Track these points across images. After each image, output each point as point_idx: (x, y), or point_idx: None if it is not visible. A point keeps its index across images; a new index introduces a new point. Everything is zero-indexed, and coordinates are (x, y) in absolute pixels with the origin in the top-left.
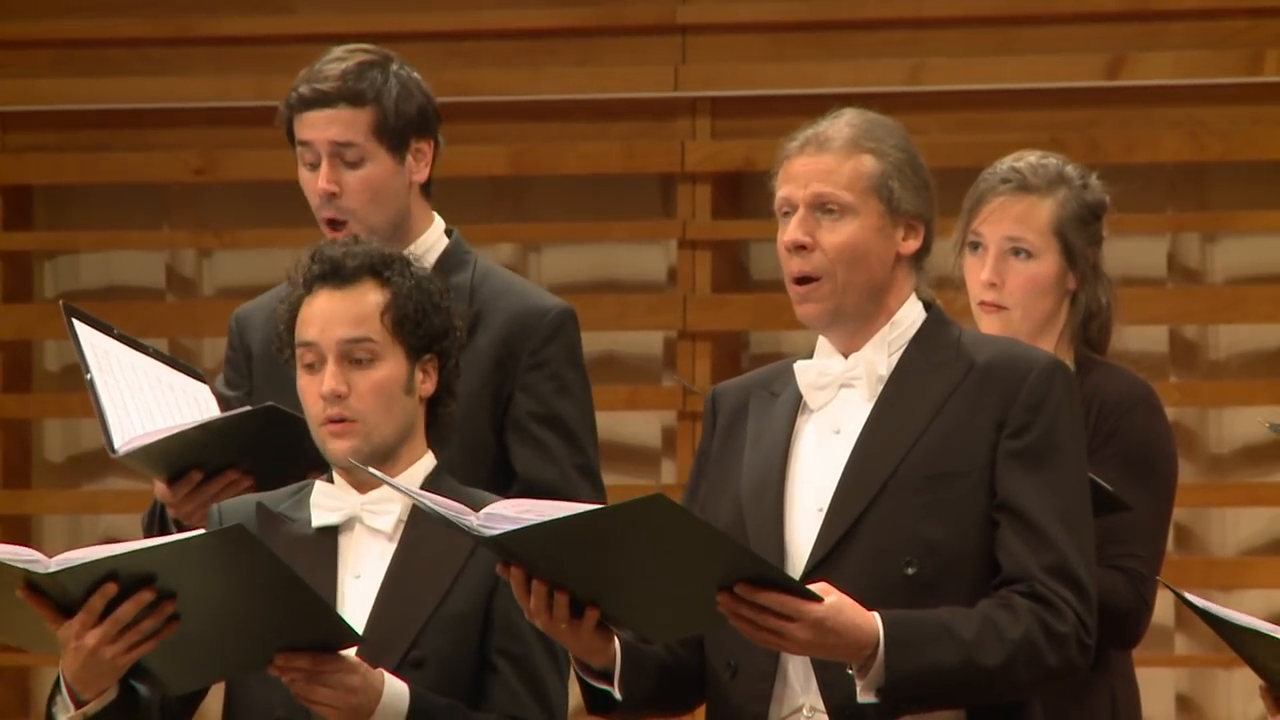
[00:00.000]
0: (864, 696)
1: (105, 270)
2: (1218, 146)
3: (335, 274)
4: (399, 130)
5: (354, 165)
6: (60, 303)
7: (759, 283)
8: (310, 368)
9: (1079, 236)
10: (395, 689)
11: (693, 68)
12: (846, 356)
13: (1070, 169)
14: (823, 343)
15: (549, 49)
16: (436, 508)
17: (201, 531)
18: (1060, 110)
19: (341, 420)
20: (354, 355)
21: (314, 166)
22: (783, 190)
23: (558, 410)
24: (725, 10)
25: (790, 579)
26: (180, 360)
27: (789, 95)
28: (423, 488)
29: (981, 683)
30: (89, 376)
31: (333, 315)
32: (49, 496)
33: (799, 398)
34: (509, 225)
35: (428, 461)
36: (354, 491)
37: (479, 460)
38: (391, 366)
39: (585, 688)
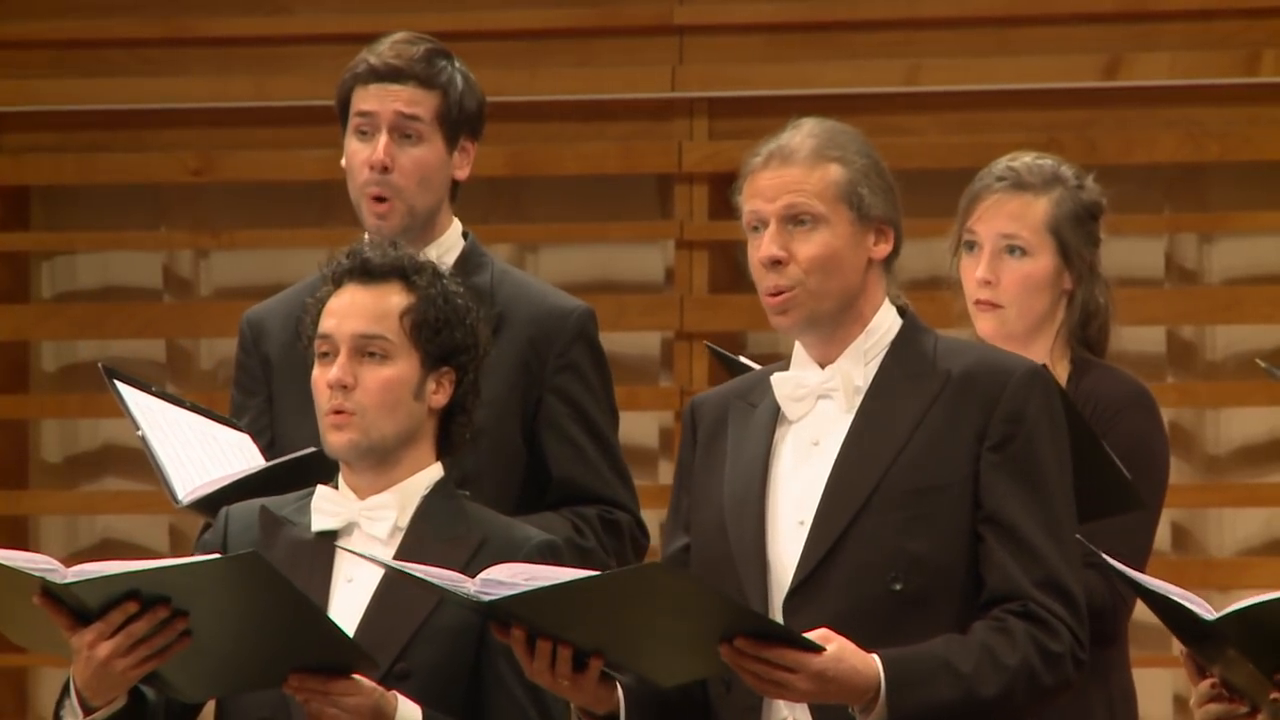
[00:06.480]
0: None
1: (102, 271)
2: (1215, 147)
3: (363, 271)
4: (458, 122)
5: (412, 143)
6: (99, 365)
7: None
8: (325, 357)
9: (1074, 235)
10: (408, 712)
11: (690, 68)
12: (823, 367)
13: (1066, 169)
14: (799, 353)
15: (546, 50)
16: (429, 579)
17: (217, 556)
18: (1057, 111)
19: (342, 412)
20: (366, 350)
21: (367, 138)
22: (750, 205)
23: (589, 412)
24: (722, 11)
25: (790, 631)
26: (216, 412)
27: (786, 96)
28: (427, 498)
29: (981, 712)
30: (140, 433)
31: (352, 309)
32: (46, 497)
33: (777, 408)
34: (506, 226)
35: (434, 471)
36: (354, 497)
37: (510, 464)
38: (402, 368)
39: None
